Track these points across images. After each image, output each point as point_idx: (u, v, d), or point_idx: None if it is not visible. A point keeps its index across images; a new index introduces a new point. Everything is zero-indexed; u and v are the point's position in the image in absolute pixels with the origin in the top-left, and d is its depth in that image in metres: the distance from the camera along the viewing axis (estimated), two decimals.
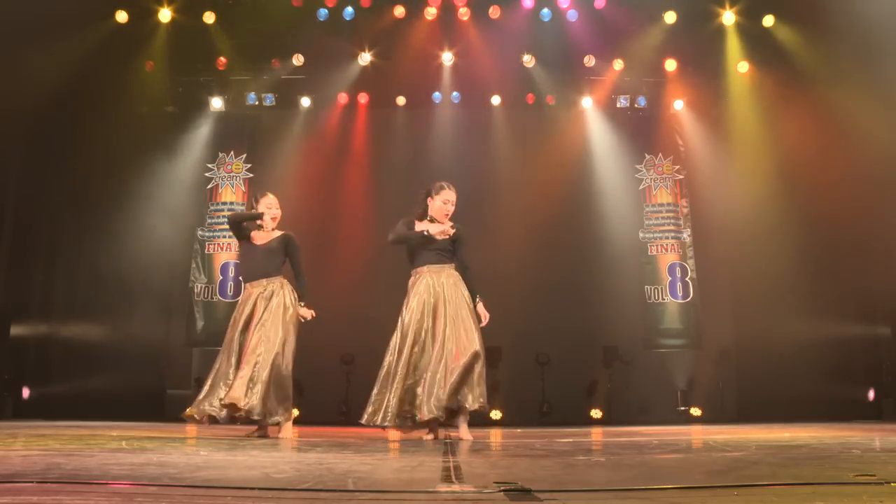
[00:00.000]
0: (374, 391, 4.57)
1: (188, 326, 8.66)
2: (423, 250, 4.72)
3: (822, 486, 2.11)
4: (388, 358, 4.63)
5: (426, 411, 4.41)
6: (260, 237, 5.03)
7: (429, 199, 4.81)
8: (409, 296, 4.72)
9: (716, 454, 3.26)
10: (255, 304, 4.84)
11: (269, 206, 5.04)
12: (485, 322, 4.65)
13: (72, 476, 2.26)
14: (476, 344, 4.51)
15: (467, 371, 4.45)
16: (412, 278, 4.77)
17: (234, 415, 4.62)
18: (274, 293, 4.85)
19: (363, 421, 4.54)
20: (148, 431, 5.25)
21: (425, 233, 4.67)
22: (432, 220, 4.79)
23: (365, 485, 2.16)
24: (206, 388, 4.81)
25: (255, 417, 4.62)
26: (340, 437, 4.78)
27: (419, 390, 4.50)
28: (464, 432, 4.53)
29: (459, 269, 4.75)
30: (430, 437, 4.67)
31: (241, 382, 4.60)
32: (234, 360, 4.79)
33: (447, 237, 4.69)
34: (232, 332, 4.87)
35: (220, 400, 4.63)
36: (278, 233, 5.04)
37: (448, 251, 4.76)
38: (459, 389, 4.44)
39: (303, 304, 4.92)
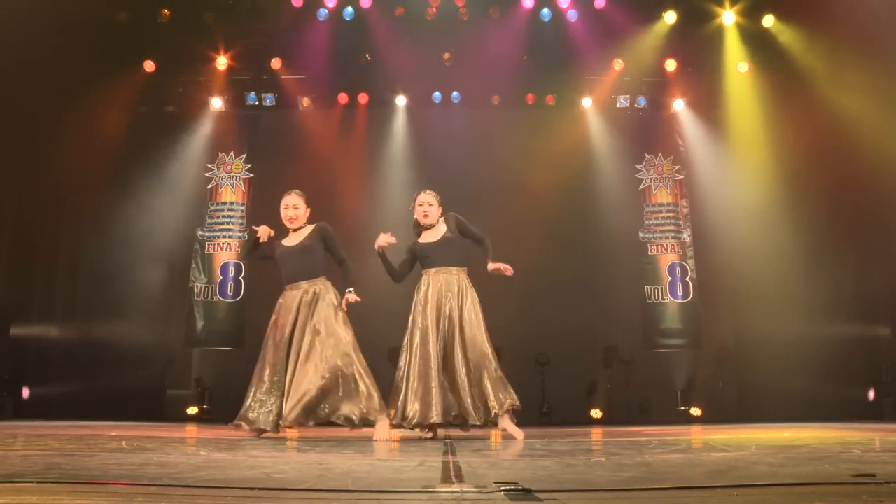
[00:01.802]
0: (401, 393, 4.64)
1: (188, 326, 8.66)
2: (427, 254, 4.83)
3: (822, 486, 2.10)
4: (404, 359, 4.70)
5: (436, 414, 4.51)
6: (291, 238, 4.86)
7: (412, 206, 4.99)
8: (418, 297, 4.78)
9: (716, 454, 3.26)
10: (297, 310, 4.68)
11: (286, 207, 4.84)
12: (508, 272, 4.75)
13: (72, 476, 2.26)
14: (488, 351, 4.65)
15: (482, 380, 4.58)
16: (422, 279, 4.86)
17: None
18: (318, 296, 4.70)
19: (393, 424, 4.60)
20: (148, 431, 5.25)
21: (378, 251, 4.81)
22: (428, 228, 4.91)
23: (365, 485, 2.16)
24: (252, 397, 4.67)
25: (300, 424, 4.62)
26: (340, 437, 4.78)
27: (433, 392, 4.58)
28: (510, 428, 4.60)
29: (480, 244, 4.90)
30: (430, 435, 4.71)
31: (294, 399, 4.53)
32: (280, 370, 4.63)
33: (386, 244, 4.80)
34: (275, 338, 4.70)
35: (280, 420, 4.57)
36: (310, 227, 4.86)
37: (454, 253, 4.84)
38: (479, 398, 4.58)
39: (351, 291, 4.71)
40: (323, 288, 4.73)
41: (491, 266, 4.76)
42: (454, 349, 4.64)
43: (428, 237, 4.91)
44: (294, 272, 4.77)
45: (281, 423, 4.58)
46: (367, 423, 4.52)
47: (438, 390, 4.56)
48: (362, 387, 4.54)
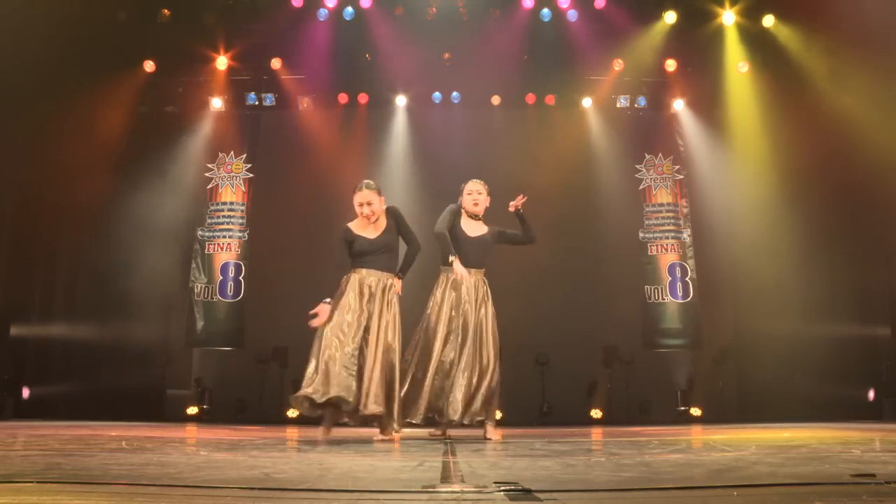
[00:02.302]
0: (405, 389, 4.67)
1: (188, 326, 8.65)
2: (461, 248, 4.81)
3: (822, 486, 2.11)
4: (417, 356, 4.73)
5: (451, 413, 4.58)
6: (369, 229, 4.69)
7: (460, 198, 4.98)
8: (436, 294, 4.81)
9: (716, 454, 3.26)
10: (372, 297, 4.56)
11: (360, 205, 4.65)
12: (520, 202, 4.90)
13: (72, 476, 2.26)
14: (493, 361, 4.71)
15: (488, 388, 4.64)
16: (441, 276, 4.87)
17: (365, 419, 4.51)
18: (388, 289, 4.62)
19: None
20: (148, 431, 5.25)
21: (451, 260, 4.71)
22: (472, 217, 4.94)
23: (365, 485, 2.16)
24: (317, 375, 4.38)
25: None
26: (340, 437, 4.78)
27: (445, 392, 4.65)
28: (490, 432, 4.67)
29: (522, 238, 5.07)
30: (439, 433, 4.75)
31: (371, 386, 4.42)
32: (357, 354, 4.45)
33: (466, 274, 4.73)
34: (352, 316, 4.50)
35: (360, 408, 4.40)
36: (383, 218, 4.72)
37: (485, 255, 4.93)
38: (480, 405, 4.62)
39: (401, 276, 4.71)
40: (394, 285, 4.68)
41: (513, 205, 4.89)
42: (462, 353, 4.65)
43: (469, 228, 4.88)
44: (375, 262, 4.66)
45: (361, 409, 4.43)
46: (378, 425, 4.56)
47: (429, 392, 4.59)
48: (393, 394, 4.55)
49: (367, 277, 4.61)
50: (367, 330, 4.52)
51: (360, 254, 4.65)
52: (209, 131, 9.07)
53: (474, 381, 4.63)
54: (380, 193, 4.68)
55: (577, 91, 9.17)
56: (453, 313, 4.71)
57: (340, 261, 4.64)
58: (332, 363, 4.38)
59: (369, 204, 4.62)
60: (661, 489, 2.11)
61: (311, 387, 4.36)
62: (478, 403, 4.61)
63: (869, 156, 7.19)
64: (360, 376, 4.44)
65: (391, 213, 4.74)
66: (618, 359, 8.75)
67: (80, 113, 8.13)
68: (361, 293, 4.56)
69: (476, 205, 4.89)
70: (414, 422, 4.64)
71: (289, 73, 8.91)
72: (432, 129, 9.14)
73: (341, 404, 4.41)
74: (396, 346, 4.56)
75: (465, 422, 4.64)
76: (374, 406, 4.37)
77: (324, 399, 4.36)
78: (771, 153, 8.38)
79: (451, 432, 5.06)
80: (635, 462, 2.85)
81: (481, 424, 4.71)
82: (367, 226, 4.70)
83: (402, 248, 4.87)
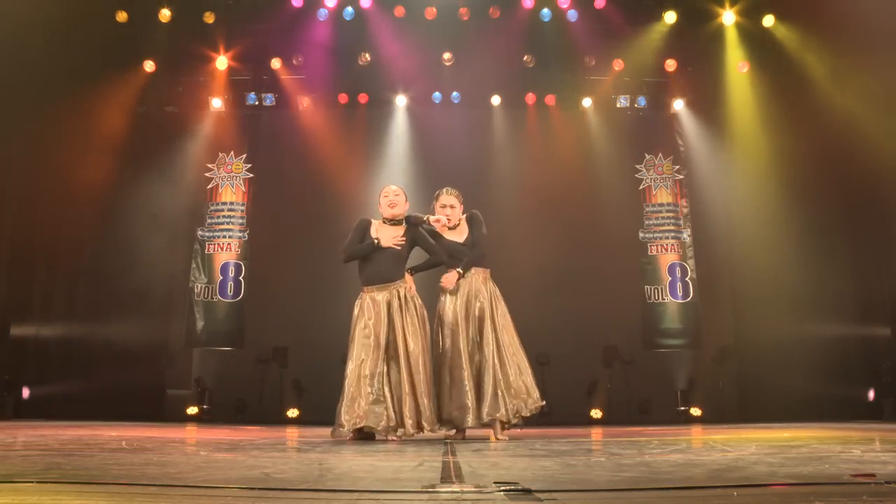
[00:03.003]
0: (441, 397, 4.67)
1: (188, 326, 8.65)
2: (451, 254, 4.80)
3: (822, 486, 2.11)
4: (449, 361, 4.68)
5: (485, 414, 4.57)
6: (387, 229, 4.69)
7: (434, 204, 4.95)
8: (447, 296, 4.77)
9: (716, 454, 3.26)
10: (387, 312, 4.56)
11: (386, 195, 4.74)
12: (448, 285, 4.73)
13: (72, 476, 2.26)
14: (521, 354, 4.73)
15: (506, 388, 4.62)
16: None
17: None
18: (405, 299, 4.62)
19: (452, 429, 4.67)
20: (148, 431, 5.25)
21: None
22: (450, 228, 4.88)
23: (365, 485, 2.16)
24: (345, 406, 4.46)
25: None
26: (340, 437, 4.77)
27: (468, 396, 4.61)
28: (496, 432, 4.67)
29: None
30: (460, 436, 4.75)
31: (405, 409, 4.49)
32: (381, 376, 4.50)
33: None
34: (375, 339, 4.53)
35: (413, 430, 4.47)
36: (401, 229, 4.75)
37: (479, 255, 4.86)
38: (493, 405, 4.59)
39: (410, 272, 4.72)
40: (407, 288, 4.67)
41: (445, 280, 4.75)
42: (483, 352, 4.64)
43: (454, 235, 4.86)
44: (379, 268, 4.65)
45: (408, 429, 4.53)
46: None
47: (473, 394, 4.58)
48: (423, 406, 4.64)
49: (376, 296, 4.61)
50: (391, 348, 4.56)
51: (369, 263, 4.68)
52: (209, 131, 9.07)
53: (489, 380, 4.60)
54: (406, 197, 4.79)
55: (577, 91, 9.17)
56: (460, 319, 4.69)
57: (346, 246, 4.69)
58: (357, 393, 4.46)
59: (396, 195, 4.74)
60: (661, 489, 2.11)
61: (342, 418, 4.45)
62: (489, 403, 4.58)
63: (869, 156, 7.19)
64: (392, 399, 4.51)
65: (411, 231, 4.75)
66: (618, 359, 8.75)
67: (80, 113, 8.12)
68: (378, 315, 4.57)
69: (450, 220, 4.83)
70: (468, 425, 4.65)
71: (289, 73, 8.92)
72: (432, 129, 9.14)
73: (374, 433, 4.49)
74: (426, 354, 4.60)
75: (471, 422, 4.63)
76: (412, 429, 4.47)
77: (353, 429, 4.42)
78: (771, 153, 8.38)
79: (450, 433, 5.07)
80: (635, 462, 2.85)
81: (491, 425, 4.68)
82: (383, 227, 4.72)
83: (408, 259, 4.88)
